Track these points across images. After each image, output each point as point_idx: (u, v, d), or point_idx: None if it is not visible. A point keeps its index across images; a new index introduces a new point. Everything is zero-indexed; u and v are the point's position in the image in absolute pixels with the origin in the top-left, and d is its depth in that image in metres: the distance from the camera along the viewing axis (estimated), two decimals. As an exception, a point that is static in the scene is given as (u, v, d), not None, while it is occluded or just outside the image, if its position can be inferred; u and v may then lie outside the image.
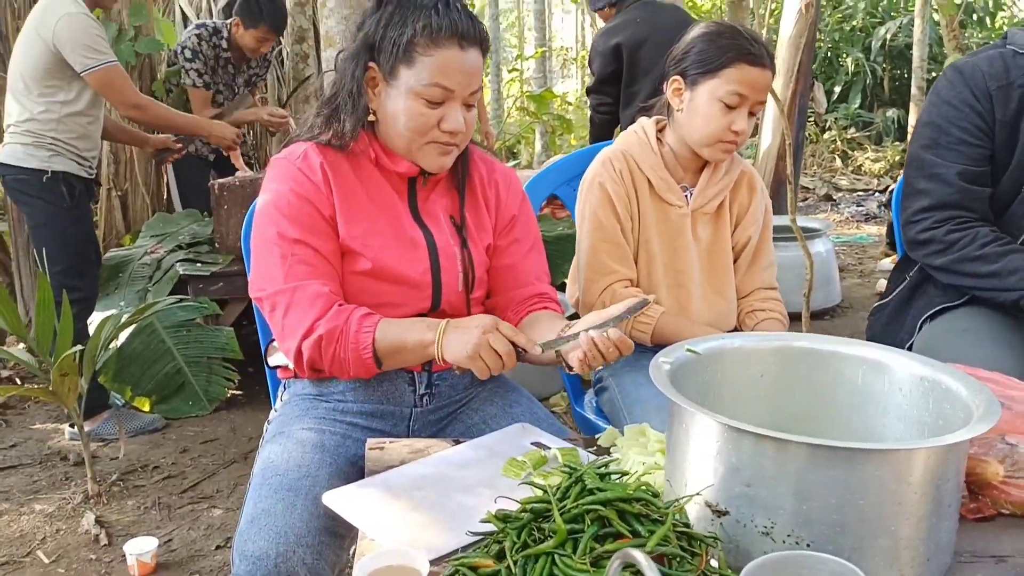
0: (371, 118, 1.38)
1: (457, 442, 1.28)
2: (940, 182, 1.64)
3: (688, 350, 1.15)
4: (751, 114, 1.61)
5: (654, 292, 1.71)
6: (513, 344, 1.24)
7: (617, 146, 1.74)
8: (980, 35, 9.72)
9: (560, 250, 3.29)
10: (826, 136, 9.34)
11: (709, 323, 1.71)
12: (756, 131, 4.68)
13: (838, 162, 8.98)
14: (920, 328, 1.74)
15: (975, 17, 9.78)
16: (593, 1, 3.91)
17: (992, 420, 0.92)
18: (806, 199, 8.02)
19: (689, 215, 1.72)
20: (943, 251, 1.63)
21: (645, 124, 1.75)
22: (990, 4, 9.75)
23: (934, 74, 6.45)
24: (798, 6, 4.34)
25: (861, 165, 8.85)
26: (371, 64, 1.35)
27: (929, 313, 1.73)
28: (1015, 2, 10.74)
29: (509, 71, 10.18)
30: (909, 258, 1.80)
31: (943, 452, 0.90)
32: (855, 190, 8.19)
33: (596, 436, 1.31)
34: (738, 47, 1.57)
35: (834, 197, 7.97)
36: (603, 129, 3.84)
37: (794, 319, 3.20)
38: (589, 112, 3.92)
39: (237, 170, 3.44)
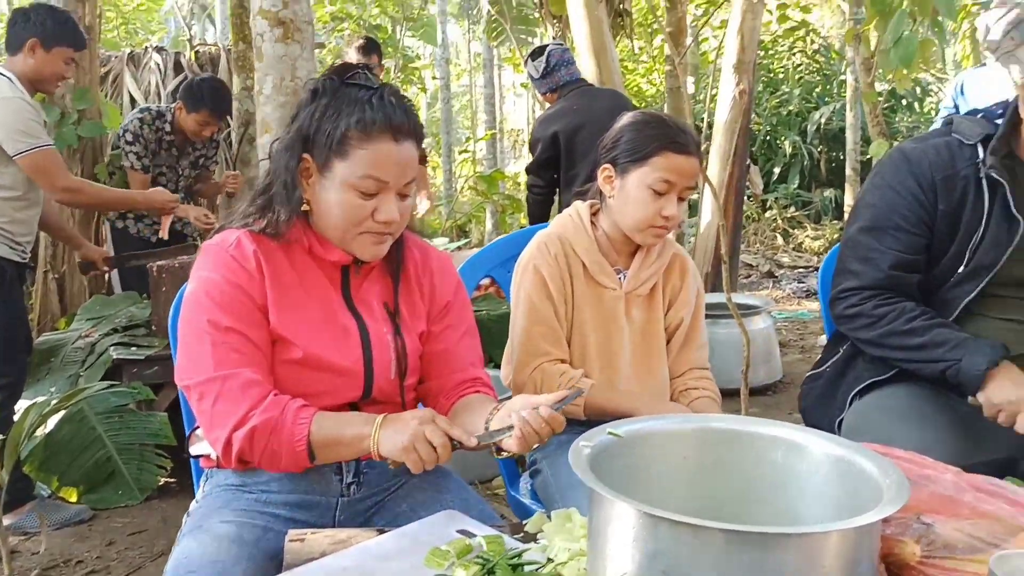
0: (305, 207, 1.39)
1: (382, 531, 1.26)
2: (873, 267, 1.66)
3: (610, 433, 1.15)
4: (680, 199, 1.66)
5: (587, 372, 1.72)
6: (449, 436, 1.24)
7: (552, 229, 1.77)
8: (909, 119, 10.20)
9: (503, 328, 3.29)
10: (767, 215, 9.63)
11: (642, 403, 1.71)
12: (695, 212, 4.80)
13: (779, 240, 9.25)
14: (850, 403, 1.77)
15: (904, 102, 10.28)
16: (537, 86, 4.04)
17: (901, 501, 0.93)
18: (749, 276, 8.20)
19: (622, 297, 1.75)
20: (871, 325, 1.66)
21: (580, 208, 1.79)
22: (917, 90, 10.27)
23: (867, 156, 6.72)
24: (733, 93, 4.52)
25: (801, 243, 9.12)
26: (305, 156, 1.36)
27: (858, 389, 1.76)
28: (941, 88, 11.33)
29: (459, 152, 10.38)
30: (842, 333, 1.83)
31: (854, 534, 0.90)
32: (796, 267, 8.41)
33: (523, 522, 1.29)
34: (664, 136, 1.63)
35: (776, 274, 8.16)
36: (537, 208, 3.95)
37: (734, 395, 3.24)
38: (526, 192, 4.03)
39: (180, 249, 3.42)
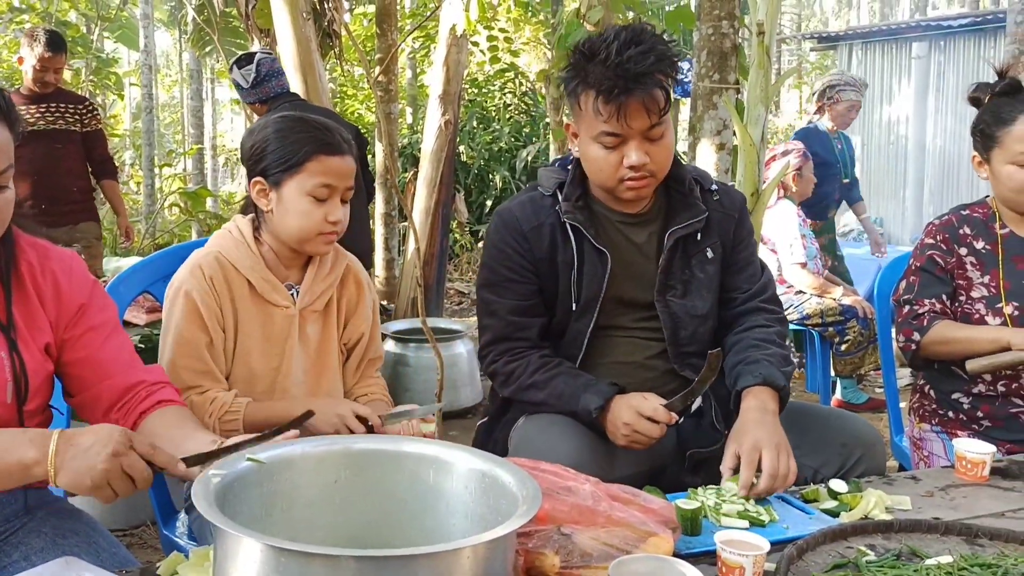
0: None
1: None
2: (498, 319, 1.75)
3: (250, 459, 1.06)
4: (344, 202, 1.60)
5: (253, 398, 1.60)
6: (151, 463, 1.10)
7: (210, 248, 1.63)
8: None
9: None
10: (481, 244, 10.01)
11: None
12: (404, 240, 4.82)
13: (490, 269, 9.64)
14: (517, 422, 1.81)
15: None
16: (245, 96, 3.81)
17: (531, 513, 0.94)
18: (461, 303, 8.42)
19: (297, 315, 1.65)
20: (506, 382, 1.74)
21: (240, 223, 1.66)
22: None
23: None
24: (439, 123, 4.62)
25: (511, 272, 9.58)
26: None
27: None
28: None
29: (160, 167, 9.65)
30: None
31: (485, 549, 0.89)
32: (505, 295, 8.78)
33: (156, 565, 1.15)
34: (314, 140, 1.57)
35: (486, 301, 8.47)
36: None
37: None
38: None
39: None
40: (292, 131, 1.57)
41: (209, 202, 8.64)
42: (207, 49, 7.83)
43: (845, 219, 9.23)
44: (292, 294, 1.66)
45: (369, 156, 8.10)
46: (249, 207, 1.67)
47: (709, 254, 1.79)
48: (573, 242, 1.71)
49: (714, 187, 1.83)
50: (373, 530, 1.12)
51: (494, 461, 1.09)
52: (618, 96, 1.57)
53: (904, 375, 4.15)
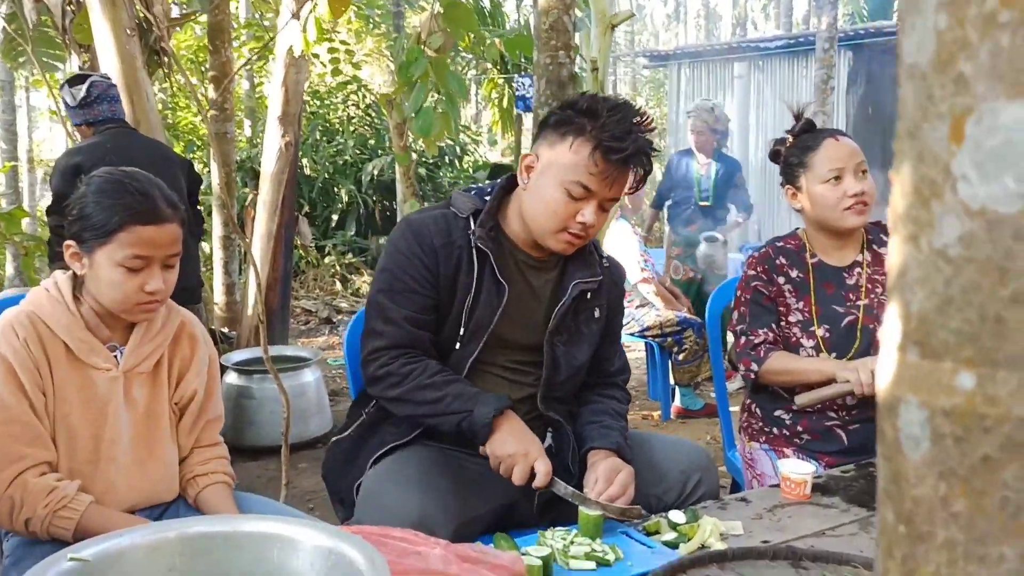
0: None
1: None
2: (393, 325, 1.74)
3: (72, 558, 0.98)
4: (168, 267, 1.51)
5: (76, 471, 1.49)
6: None
7: (24, 307, 1.50)
8: (451, 174, 11.19)
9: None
10: (327, 260, 9.78)
11: (146, 494, 1.56)
12: (245, 259, 4.64)
13: (338, 285, 9.44)
14: (370, 466, 1.79)
15: (447, 159, 11.26)
16: (72, 115, 3.57)
17: (378, 596, 0.92)
18: (308, 322, 8.21)
19: (120, 377, 1.55)
20: (399, 383, 1.72)
21: (59, 279, 1.54)
22: (457, 149, 11.33)
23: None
24: (279, 144, 4.48)
25: (359, 288, 9.42)
26: None
27: (378, 454, 1.78)
28: (477, 148, 12.65)
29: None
30: (367, 394, 1.86)
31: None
32: (354, 313, 8.65)
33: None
34: (126, 207, 1.46)
35: (334, 320, 8.30)
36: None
37: (277, 453, 3.16)
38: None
39: None
40: (107, 195, 1.46)
41: (26, 223, 7.98)
42: (20, 60, 7.23)
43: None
44: (117, 355, 1.56)
45: (205, 173, 7.73)
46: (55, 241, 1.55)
47: (596, 314, 1.89)
48: (476, 268, 1.74)
49: (605, 256, 1.95)
50: (215, 616, 1.07)
51: (340, 537, 1.06)
52: (618, 160, 1.65)
53: (736, 380, 4.43)
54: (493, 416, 1.65)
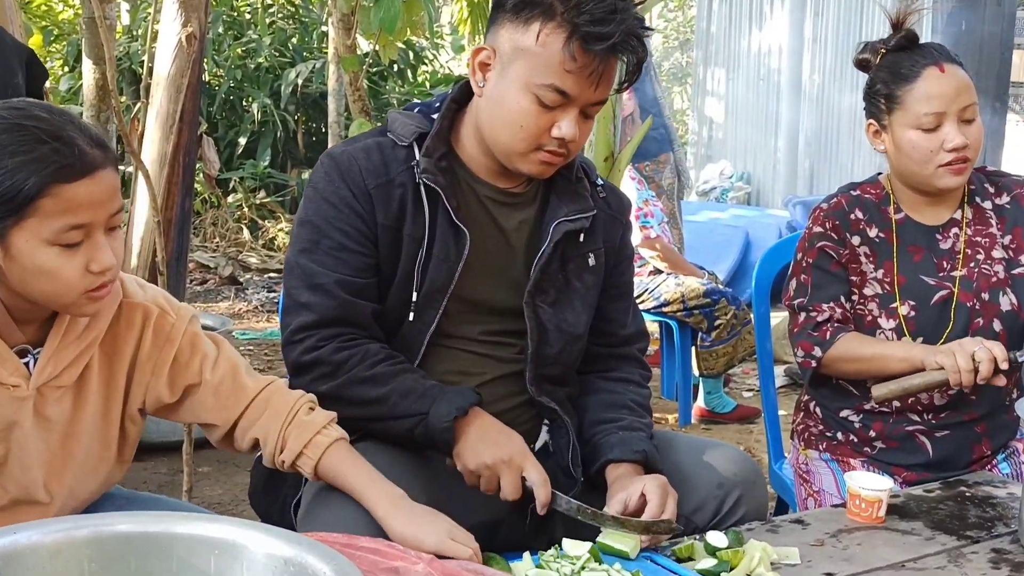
0: None
1: None
2: (322, 294, 1.72)
3: (-46, 559, 1.02)
4: (112, 229, 1.45)
5: None
6: None
7: None
8: (402, 89, 11.14)
9: None
10: (231, 199, 9.70)
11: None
12: (130, 196, 4.62)
13: (246, 234, 9.37)
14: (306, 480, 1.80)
15: (396, 68, 11.20)
16: None
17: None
18: (206, 282, 8.19)
19: (32, 397, 1.51)
20: (330, 375, 1.72)
21: None
22: (411, 56, 11.26)
23: (349, 134, 7.12)
24: (179, 37, 4.42)
25: (274, 238, 9.36)
26: None
27: None
28: (436, 56, 12.60)
29: None
30: (295, 385, 1.87)
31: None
32: (267, 270, 8.60)
33: None
34: (40, 161, 1.36)
35: (241, 279, 8.25)
36: None
37: (176, 450, 3.19)
38: None
39: None
40: (6, 151, 1.35)
41: None
42: None
43: (706, 174, 9.79)
44: (28, 364, 1.51)
45: (76, 77, 7.57)
46: None
47: (591, 261, 1.88)
48: (427, 211, 1.73)
49: (600, 182, 1.93)
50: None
51: (303, 544, 1.10)
52: (602, 50, 1.62)
53: (778, 374, 4.49)
54: (454, 417, 1.66)
